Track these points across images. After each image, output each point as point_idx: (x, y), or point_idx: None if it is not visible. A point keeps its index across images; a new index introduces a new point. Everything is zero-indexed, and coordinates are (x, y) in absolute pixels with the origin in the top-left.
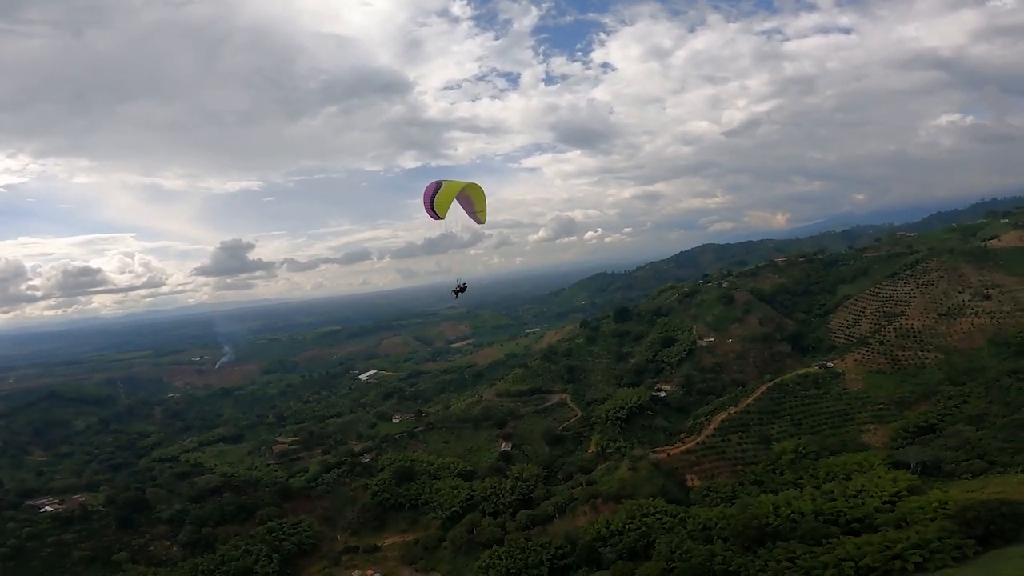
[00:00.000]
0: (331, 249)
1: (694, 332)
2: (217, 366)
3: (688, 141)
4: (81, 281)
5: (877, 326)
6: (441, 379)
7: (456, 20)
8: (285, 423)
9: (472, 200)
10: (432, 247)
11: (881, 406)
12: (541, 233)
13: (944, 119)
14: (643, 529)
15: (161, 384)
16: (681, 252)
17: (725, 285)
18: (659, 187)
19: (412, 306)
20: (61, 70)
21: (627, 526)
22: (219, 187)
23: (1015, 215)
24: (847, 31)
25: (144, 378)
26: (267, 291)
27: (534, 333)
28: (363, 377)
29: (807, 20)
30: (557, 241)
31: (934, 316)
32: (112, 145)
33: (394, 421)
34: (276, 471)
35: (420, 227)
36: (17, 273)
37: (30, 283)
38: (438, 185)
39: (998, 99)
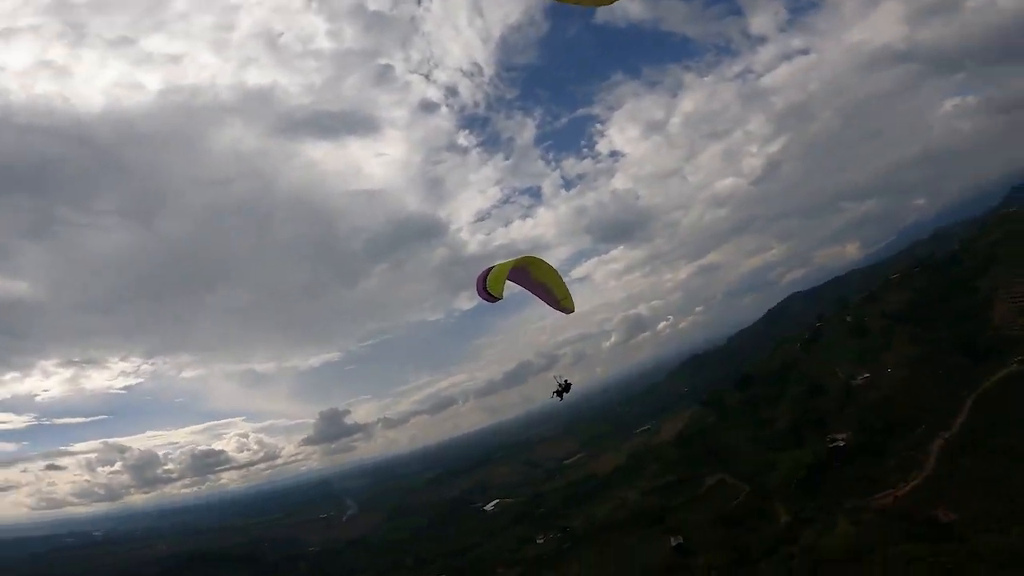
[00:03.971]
0: (417, 402)
1: (840, 375)
2: (344, 519)
3: (720, 202)
4: (207, 462)
5: None
6: (567, 493)
7: (465, 150)
8: (425, 564)
9: (546, 283)
10: (512, 379)
11: None
12: (613, 338)
13: (948, 105)
14: None
15: (297, 541)
16: (768, 311)
17: (849, 319)
18: (712, 258)
19: (507, 437)
20: (142, 262)
21: None
22: (304, 364)
23: None
24: (805, 52)
25: (281, 537)
26: (369, 449)
27: (647, 430)
28: (488, 507)
29: (765, 53)
30: (631, 342)
31: None
32: (206, 337)
33: (539, 542)
34: None
35: (493, 364)
36: (151, 461)
37: (164, 468)
38: (489, 268)
39: (983, 72)
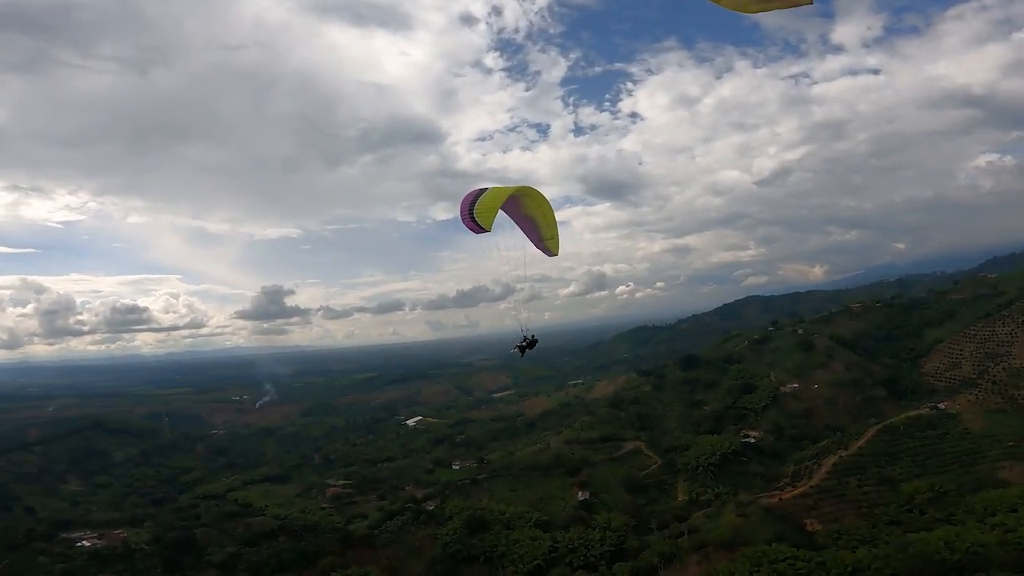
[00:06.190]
0: (364, 299)
1: (773, 379)
2: (258, 405)
3: (718, 191)
4: (127, 319)
5: (982, 367)
6: (491, 427)
7: (489, 71)
8: (333, 465)
9: (536, 219)
10: (464, 300)
11: (1011, 444)
12: (572, 288)
13: (983, 159)
14: None
15: (201, 421)
16: (724, 305)
17: (800, 332)
18: (690, 240)
19: (445, 357)
20: (125, 108)
21: (754, 574)
22: (260, 233)
23: None
24: (875, 72)
25: (185, 414)
26: (301, 337)
27: (580, 384)
28: (410, 423)
29: (834, 63)
30: (588, 296)
31: None
32: (166, 186)
33: (454, 467)
34: (331, 515)
35: (450, 280)
36: (67, 307)
37: (78, 318)
38: (481, 191)
39: None
